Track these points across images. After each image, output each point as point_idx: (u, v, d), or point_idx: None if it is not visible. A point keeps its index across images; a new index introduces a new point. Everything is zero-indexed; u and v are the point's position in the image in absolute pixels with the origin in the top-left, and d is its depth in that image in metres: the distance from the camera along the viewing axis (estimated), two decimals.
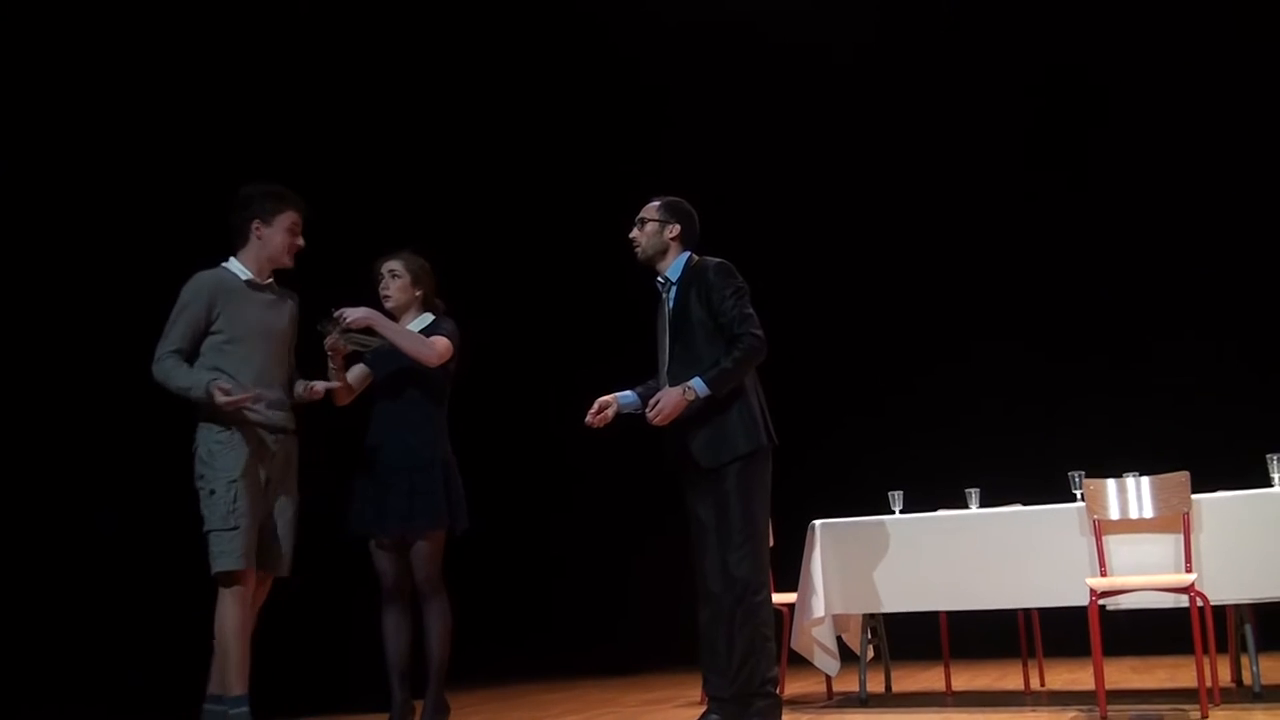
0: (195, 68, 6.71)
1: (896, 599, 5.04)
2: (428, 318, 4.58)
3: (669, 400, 4.05)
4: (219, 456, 3.91)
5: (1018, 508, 5.11)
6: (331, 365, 4.38)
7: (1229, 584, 4.49)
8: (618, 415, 4.32)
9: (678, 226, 4.32)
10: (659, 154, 8.14)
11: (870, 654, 5.32)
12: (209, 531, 3.88)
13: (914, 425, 7.68)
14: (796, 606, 5.11)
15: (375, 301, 4.52)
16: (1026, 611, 5.52)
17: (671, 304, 4.27)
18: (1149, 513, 4.59)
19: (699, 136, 8.23)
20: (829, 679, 5.47)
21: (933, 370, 7.83)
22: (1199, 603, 4.32)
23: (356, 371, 4.53)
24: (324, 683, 6.66)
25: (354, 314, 4.26)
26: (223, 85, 6.83)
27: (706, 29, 8.13)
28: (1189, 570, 4.47)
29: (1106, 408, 7.31)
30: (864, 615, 5.26)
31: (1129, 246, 7.55)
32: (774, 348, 4.15)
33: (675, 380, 4.13)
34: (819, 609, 5.03)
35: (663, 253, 4.32)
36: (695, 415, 4.09)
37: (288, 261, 4.16)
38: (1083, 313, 7.61)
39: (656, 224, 4.31)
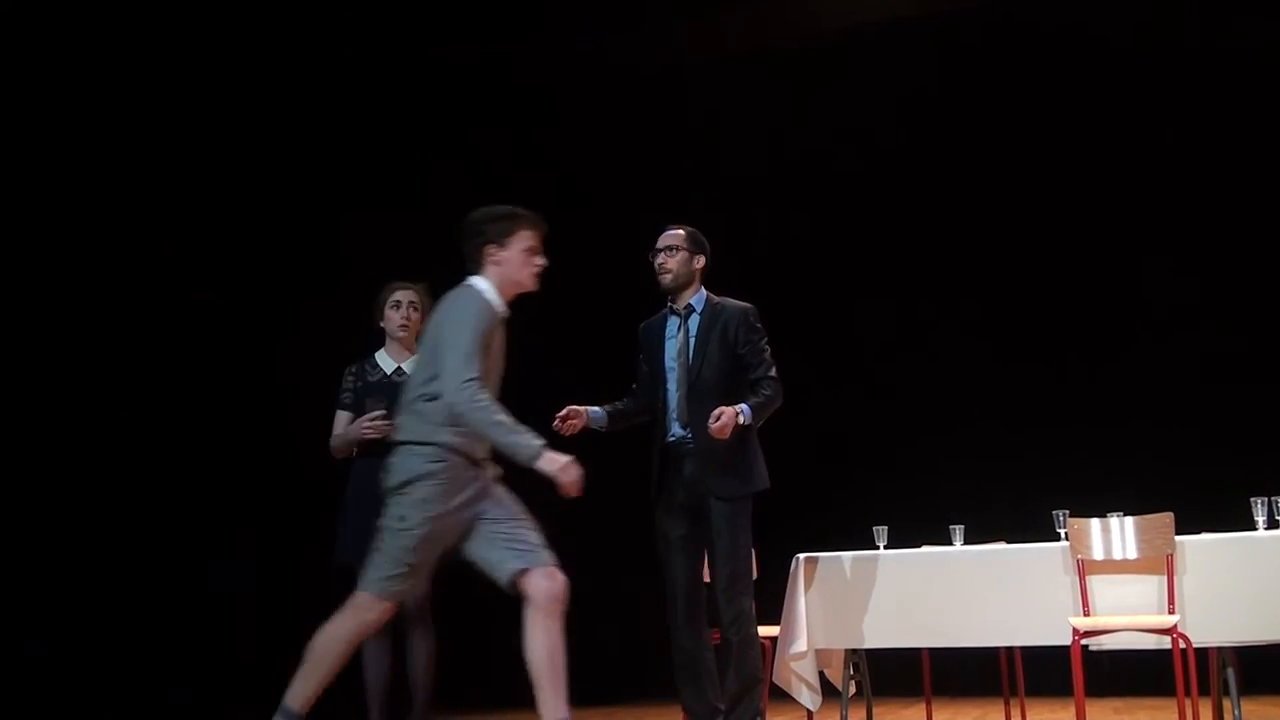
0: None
1: (879, 635, 5.02)
2: None
3: (730, 416, 4.06)
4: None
5: (1001, 545, 5.10)
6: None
7: (1211, 626, 4.49)
8: (585, 428, 4.35)
9: (703, 258, 4.38)
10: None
11: (852, 690, 5.29)
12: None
13: (900, 460, 7.63)
14: (779, 640, 5.09)
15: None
16: (1009, 650, 5.49)
17: (695, 334, 4.32)
18: (1132, 554, 4.59)
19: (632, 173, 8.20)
20: (810, 714, 5.43)
21: (922, 405, 7.79)
22: (1181, 645, 4.32)
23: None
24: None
25: None
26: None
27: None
28: (1172, 612, 4.46)
29: (1093, 445, 7.29)
30: (847, 650, 5.24)
31: (1114, 284, 7.55)
32: None
33: (692, 407, 4.21)
34: (802, 643, 5.01)
35: (689, 283, 4.36)
36: (730, 444, 4.13)
37: (530, 284, 3.79)
38: (1074, 351, 7.60)
39: (687, 254, 4.36)
